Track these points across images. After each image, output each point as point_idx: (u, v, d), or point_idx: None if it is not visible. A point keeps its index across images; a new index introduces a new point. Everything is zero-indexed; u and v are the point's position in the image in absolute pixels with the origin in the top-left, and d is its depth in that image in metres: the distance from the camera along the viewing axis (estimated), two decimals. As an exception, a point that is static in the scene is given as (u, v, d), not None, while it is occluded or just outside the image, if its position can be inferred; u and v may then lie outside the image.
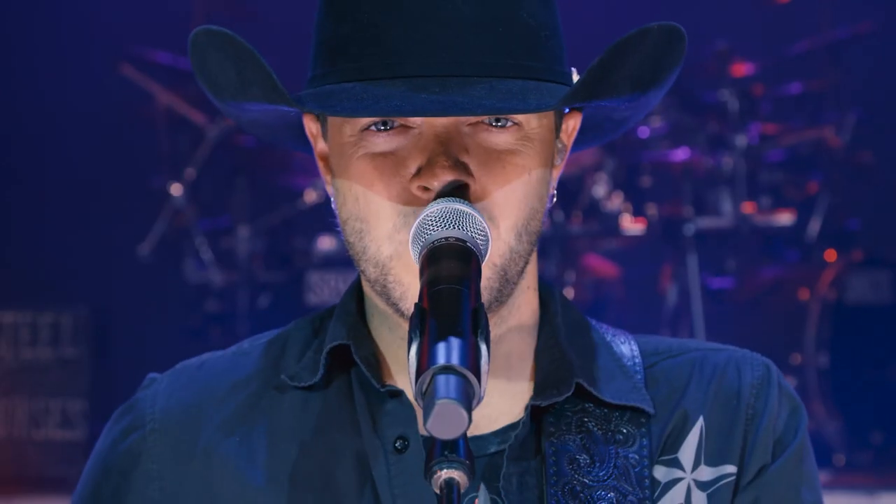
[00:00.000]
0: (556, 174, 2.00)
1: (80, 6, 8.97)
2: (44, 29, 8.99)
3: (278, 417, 1.97)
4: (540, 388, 1.95)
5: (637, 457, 1.92)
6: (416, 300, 1.69)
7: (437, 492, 1.52)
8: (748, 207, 7.58)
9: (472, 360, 1.56)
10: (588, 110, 2.01)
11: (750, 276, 7.83)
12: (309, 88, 1.92)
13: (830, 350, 7.06)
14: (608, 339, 2.07)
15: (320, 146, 2.01)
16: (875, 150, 7.92)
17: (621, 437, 1.93)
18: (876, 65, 8.59)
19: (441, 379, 1.52)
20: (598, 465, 1.91)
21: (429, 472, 1.52)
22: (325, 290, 7.30)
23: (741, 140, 7.58)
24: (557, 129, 1.97)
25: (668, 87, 1.94)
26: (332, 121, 1.93)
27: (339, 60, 1.87)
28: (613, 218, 7.56)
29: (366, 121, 1.86)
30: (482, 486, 1.90)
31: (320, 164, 2.01)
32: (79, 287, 8.42)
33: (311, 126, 2.02)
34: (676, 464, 1.96)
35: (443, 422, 1.49)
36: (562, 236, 7.53)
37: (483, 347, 1.60)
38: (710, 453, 1.97)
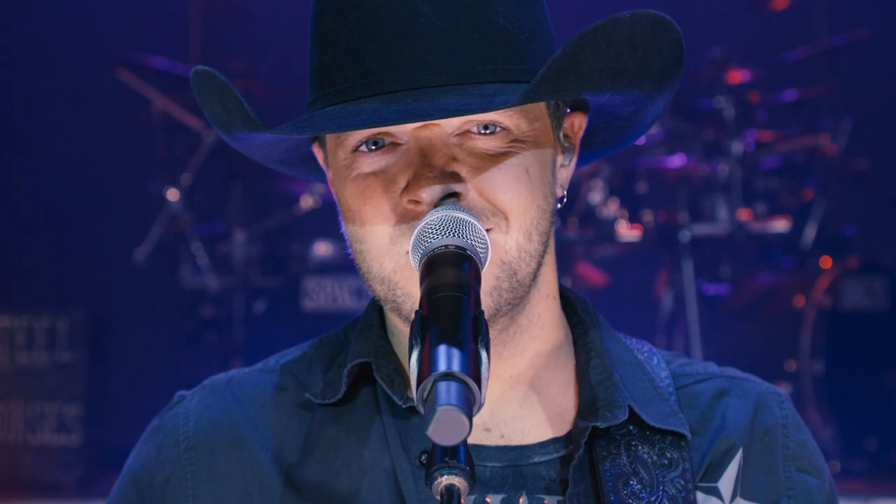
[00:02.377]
0: (566, 174, 2.02)
1: (76, 11, 8.97)
2: (41, 34, 8.99)
3: (309, 434, 1.99)
4: (591, 409, 1.97)
5: (682, 482, 1.95)
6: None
7: (438, 498, 1.53)
8: (744, 214, 7.59)
9: (472, 367, 1.56)
10: (592, 109, 2.01)
11: (745, 283, 7.83)
12: (303, 115, 1.95)
13: (825, 356, 7.07)
14: (640, 357, 2.09)
15: (329, 173, 2.03)
16: (870, 156, 7.94)
17: (666, 461, 1.96)
18: (871, 72, 8.62)
19: (442, 386, 1.53)
20: (648, 490, 1.93)
21: (429, 479, 1.53)
22: (321, 295, 7.30)
23: (737, 147, 7.59)
24: (557, 129, 1.98)
25: (666, 78, 1.92)
26: (329, 146, 1.96)
27: (325, 86, 1.91)
28: (609, 224, 7.57)
29: (355, 142, 1.89)
30: (524, 495, 1.93)
31: (333, 191, 2.03)
32: (75, 291, 8.42)
33: (319, 155, 2.05)
34: (716, 493, 1.99)
35: (444, 428, 1.50)
36: (557, 243, 7.52)
37: (483, 354, 1.61)
38: (746, 486, 2.00)
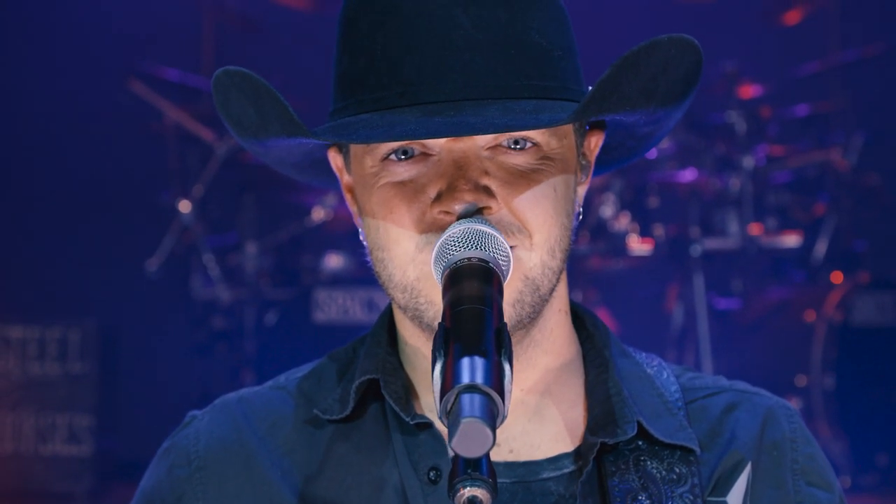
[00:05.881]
0: (582, 191, 2.03)
1: (89, 22, 9.00)
2: (54, 44, 9.02)
3: (319, 451, 1.99)
4: (600, 424, 1.97)
5: (691, 497, 1.95)
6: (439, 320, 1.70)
7: (460, 510, 1.53)
8: (755, 229, 7.58)
9: (496, 380, 1.57)
10: (609, 128, 2.03)
11: (756, 297, 7.83)
12: (330, 122, 1.95)
13: (836, 371, 7.06)
14: (649, 372, 2.09)
15: (346, 179, 2.04)
16: (882, 172, 7.94)
17: (675, 476, 1.96)
18: (883, 87, 8.62)
19: (466, 398, 1.54)
20: None
21: (452, 490, 1.53)
22: (332, 307, 7.30)
23: (748, 161, 7.59)
24: (579, 147, 1.99)
25: (686, 100, 1.95)
26: (355, 153, 1.96)
27: (357, 93, 1.90)
28: (620, 238, 7.57)
29: (386, 150, 1.89)
30: None
31: (347, 198, 2.04)
32: (87, 302, 8.42)
33: (336, 160, 2.05)
34: None
35: (468, 440, 1.50)
36: (568, 256, 7.51)
37: (507, 367, 1.61)
38: (755, 501, 2.00)
